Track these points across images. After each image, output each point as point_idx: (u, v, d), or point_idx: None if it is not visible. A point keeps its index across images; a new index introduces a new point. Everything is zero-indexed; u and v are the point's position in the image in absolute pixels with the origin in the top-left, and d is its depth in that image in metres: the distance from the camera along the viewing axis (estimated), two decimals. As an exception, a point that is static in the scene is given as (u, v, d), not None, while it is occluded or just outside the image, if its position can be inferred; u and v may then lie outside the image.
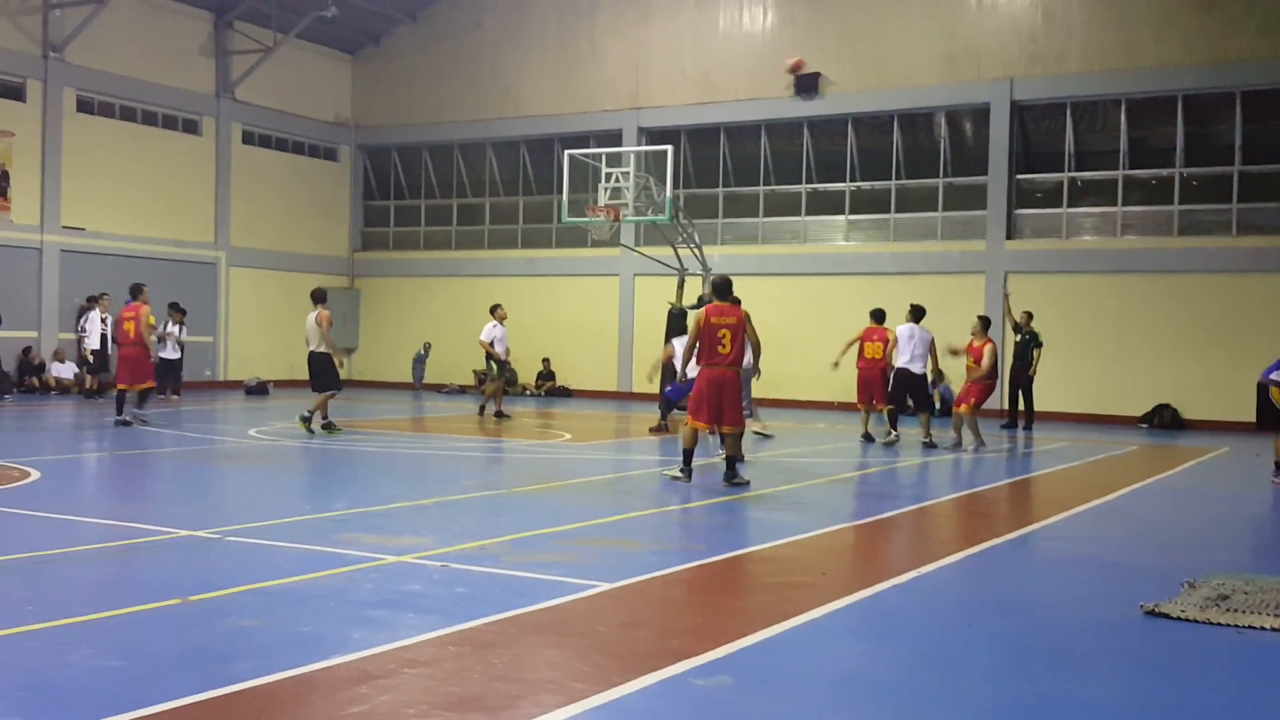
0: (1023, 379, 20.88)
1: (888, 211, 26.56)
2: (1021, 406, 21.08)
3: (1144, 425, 23.05)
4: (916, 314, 17.47)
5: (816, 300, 26.05)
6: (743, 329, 11.65)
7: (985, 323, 17.17)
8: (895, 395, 17.38)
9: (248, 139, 29.87)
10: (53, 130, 25.24)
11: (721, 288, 11.84)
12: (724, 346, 11.47)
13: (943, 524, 10.20)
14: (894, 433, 17.01)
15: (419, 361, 30.97)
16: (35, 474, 11.23)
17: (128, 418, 16.90)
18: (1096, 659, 5.73)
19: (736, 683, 5.07)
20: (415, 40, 31.69)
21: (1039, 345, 21.01)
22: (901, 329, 17.29)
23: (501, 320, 20.65)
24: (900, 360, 17.21)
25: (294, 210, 31.00)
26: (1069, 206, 24.93)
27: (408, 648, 5.40)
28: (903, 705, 4.89)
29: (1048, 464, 15.32)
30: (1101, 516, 10.68)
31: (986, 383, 16.51)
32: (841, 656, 5.62)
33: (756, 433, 17.29)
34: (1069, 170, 24.95)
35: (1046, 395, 23.17)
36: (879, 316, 17.70)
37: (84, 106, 26.09)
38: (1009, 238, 25.11)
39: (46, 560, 7.31)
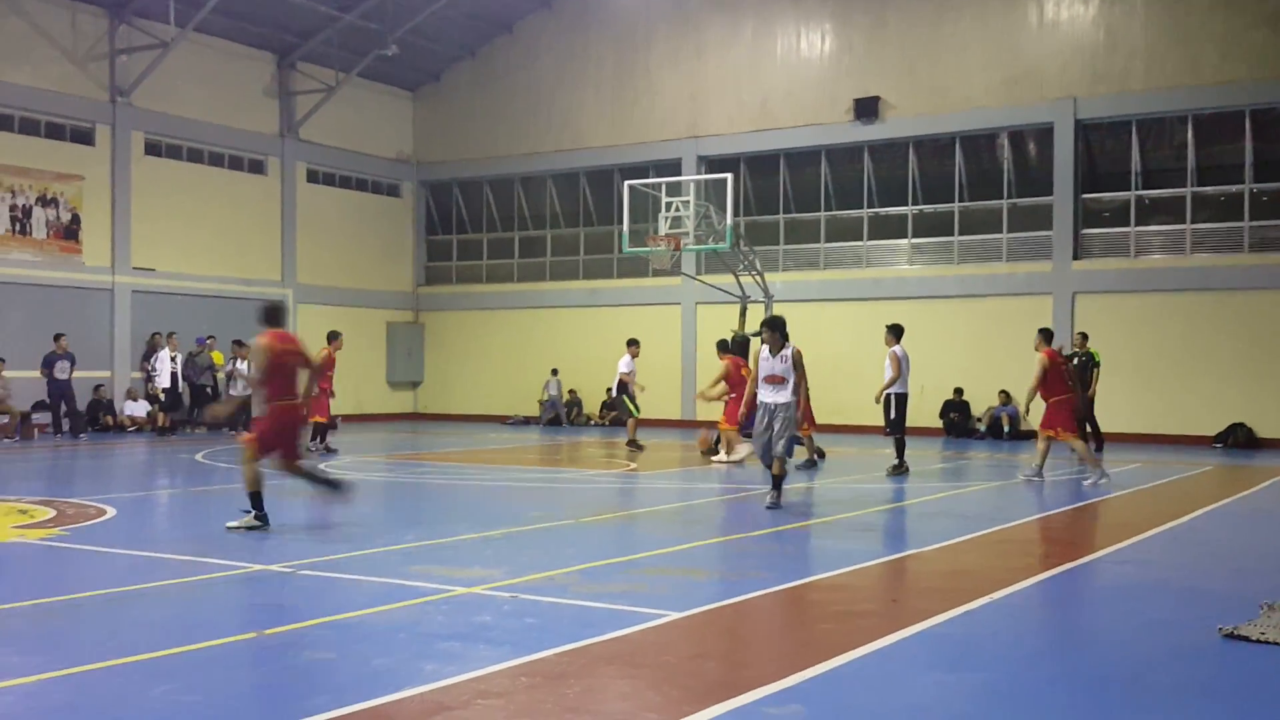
0: (1087, 402, 20.51)
1: (951, 234, 26.37)
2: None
3: (1218, 445, 22.61)
4: (900, 334, 16.42)
5: (880, 325, 25.84)
6: (306, 360, 10.69)
7: (1044, 335, 15.86)
8: (901, 423, 16.22)
9: (312, 177, 30.37)
10: (122, 173, 25.83)
11: (269, 313, 10.73)
12: (296, 378, 10.57)
13: (1012, 550, 10.06)
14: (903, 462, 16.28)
15: (552, 388, 29.93)
16: (111, 511, 11.44)
17: (326, 446, 18.75)
18: (1175, 687, 5.62)
19: (809, 712, 5.03)
20: (474, 76, 32.08)
21: (1097, 364, 20.58)
22: (900, 351, 16.14)
23: (634, 355, 21.04)
24: (903, 386, 16.14)
25: (359, 247, 31.44)
26: (1136, 225, 24.62)
27: (480, 679, 5.43)
28: (979, 735, 4.83)
29: (1119, 486, 15.05)
30: (1175, 540, 10.49)
31: (1061, 399, 15.26)
32: (914, 686, 5.56)
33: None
34: (1135, 189, 24.64)
35: (1117, 416, 22.85)
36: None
37: (152, 149, 26.68)
38: (1076, 258, 24.83)
39: (124, 596, 7.44)
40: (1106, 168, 25.27)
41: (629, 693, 5.28)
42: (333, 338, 18.96)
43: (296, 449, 10.61)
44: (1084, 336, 20.86)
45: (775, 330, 12.17)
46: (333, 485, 10.88)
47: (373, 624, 6.61)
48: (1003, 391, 24.71)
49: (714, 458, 17.97)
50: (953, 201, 26.36)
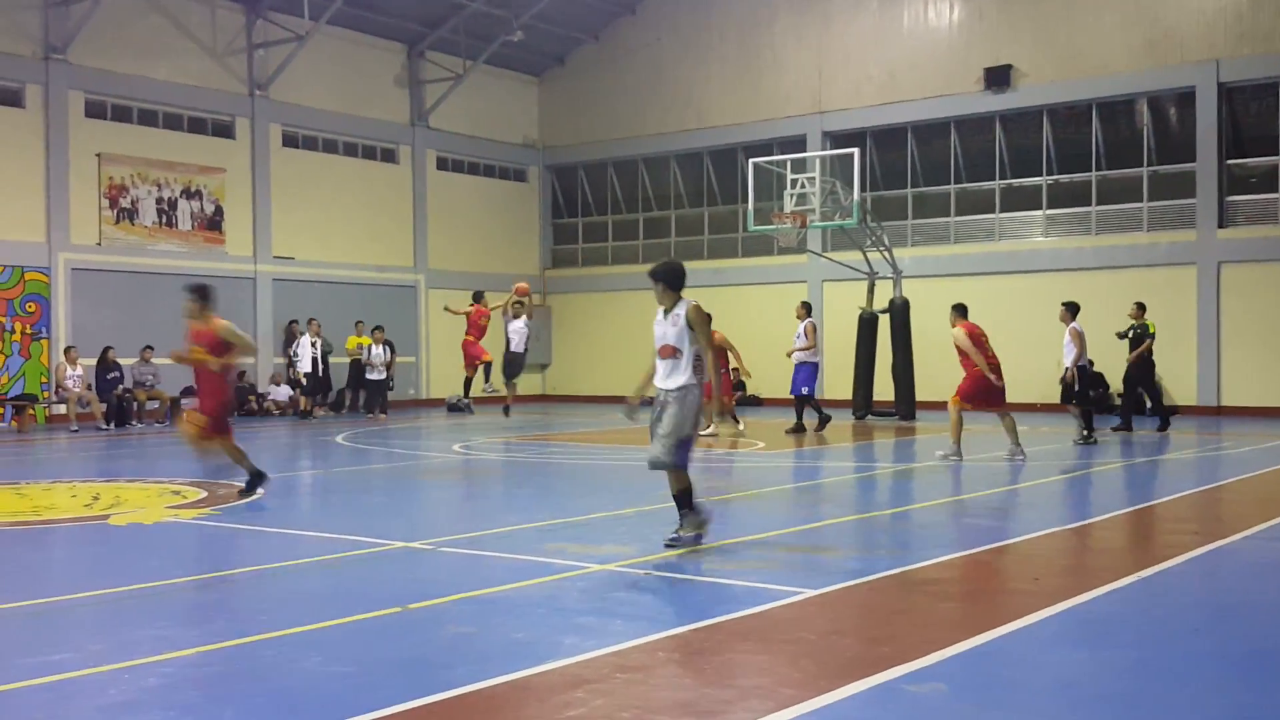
0: (1141, 374, 19.48)
1: (1088, 204, 25.63)
2: (1151, 402, 20.02)
3: (1377, 419, 21.61)
4: (1076, 311, 17.20)
5: (1013, 299, 25.32)
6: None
7: (957, 309, 15.19)
8: (1084, 394, 17.15)
9: (441, 165, 30.89)
10: (261, 165, 26.62)
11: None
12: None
13: (1156, 527, 9.78)
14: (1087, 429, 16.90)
15: None
16: (259, 492, 11.82)
17: (463, 401, 20.79)
18: (1339, 666, 5.40)
19: (951, 690, 4.96)
20: (598, 59, 32.22)
21: (1151, 336, 19.39)
22: (1079, 327, 17.00)
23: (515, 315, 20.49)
24: (1084, 359, 17.12)
25: (487, 231, 31.90)
26: (1285, 190, 23.63)
27: (618, 654, 5.48)
28: (1131, 715, 4.70)
29: (1266, 463, 14.49)
30: (1335, 516, 10.05)
31: (972, 373, 14.61)
32: (1061, 664, 5.44)
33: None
34: (1284, 152, 23.64)
35: (1265, 390, 22.03)
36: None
37: (289, 141, 27.44)
38: (1221, 226, 23.93)
39: (273, 573, 7.70)
40: (1252, 131, 24.27)
41: (766, 668, 5.28)
42: (477, 298, 20.72)
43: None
44: (1140, 307, 19.60)
45: (661, 280, 8.42)
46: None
47: (511, 599, 6.72)
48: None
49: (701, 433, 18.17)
50: (1089, 171, 25.61)
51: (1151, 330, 19.47)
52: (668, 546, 8.15)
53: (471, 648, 5.68)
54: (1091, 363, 17.34)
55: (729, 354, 18.51)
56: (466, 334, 20.43)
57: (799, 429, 19.40)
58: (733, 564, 7.75)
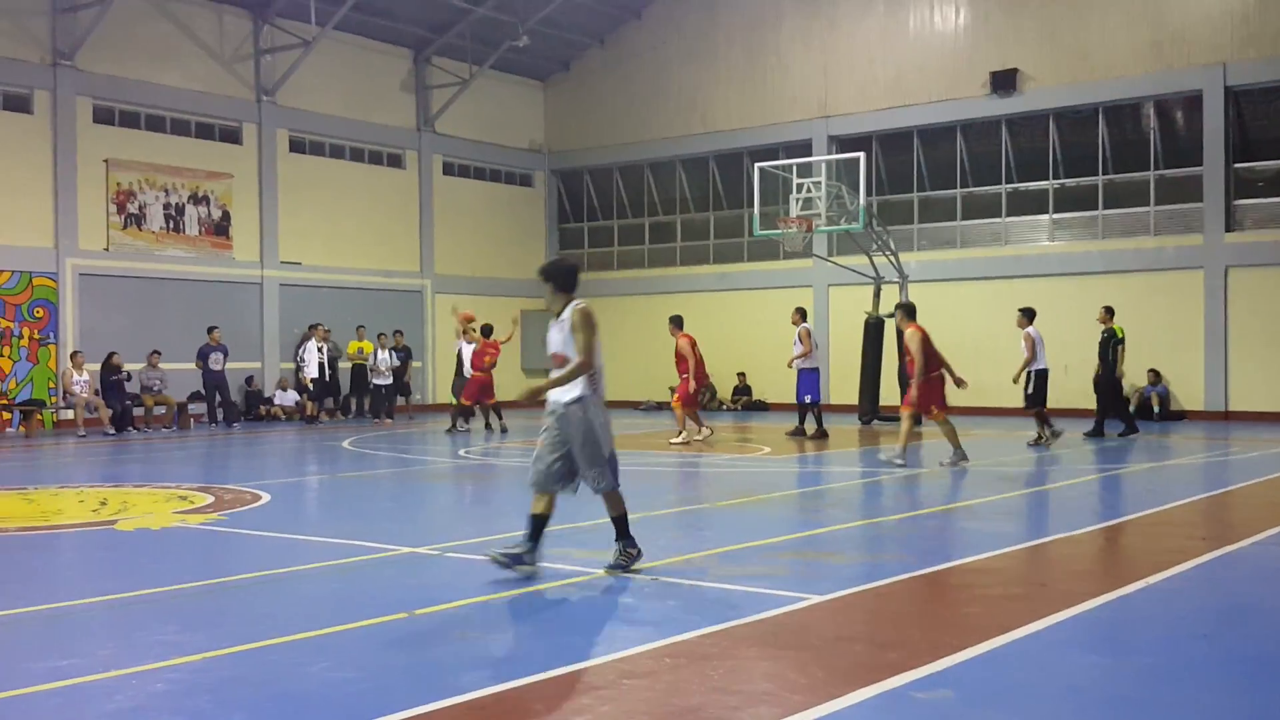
0: (1108, 380, 19.32)
1: (1095, 208, 25.60)
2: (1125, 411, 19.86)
3: (1386, 424, 21.55)
4: (1033, 316, 17.54)
5: (1019, 304, 25.16)
6: None
7: (906, 310, 15.24)
8: (1041, 398, 17.46)
9: (448, 170, 30.91)
10: (268, 170, 26.66)
11: None
12: None
13: (1163, 532, 9.74)
14: (1050, 431, 17.28)
15: None
16: (266, 497, 11.84)
17: (463, 426, 21.38)
18: (1349, 672, 5.37)
19: (959, 696, 4.95)
20: (604, 64, 32.25)
21: (1120, 341, 19.22)
22: (1034, 332, 17.31)
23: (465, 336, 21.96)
24: (1041, 363, 17.37)
25: (493, 237, 31.91)
26: (1293, 194, 23.58)
27: (626, 660, 5.47)
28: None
29: (1275, 468, 14.45)
30: (1344, 521, 10.01)
31: (920, 380, 14.44)
32: (1070, 669, 5.42)
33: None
34: (1291, 156, 23.59)
35: (1272, 395, 21.96)
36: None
37: (296, 146, 27.47)
38: (1228, 230, 23.88)
39: (281, 578, 7.70)
40: (1259, 135, 24.24)
41: (774, 674, 5.27)
42: (488, 332, 21.71)
43: None
44: (1109, 311, 19.30)
45: (550, 280, 7.84)
46: None
47: (518, 605, 6.72)
48: (1152, 370, 23.94)
49: (672, 440, 18.14)
50: (1096, 174, 25.58)
51: (1120, 335, 19.29)
52: (609, 569, 7.51)
53: (478, 653, 5.67)
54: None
55: (690, 362, 18.12)
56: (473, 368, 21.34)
57: (801, 432, 19.37)
58: (739, 569, 7.74)
